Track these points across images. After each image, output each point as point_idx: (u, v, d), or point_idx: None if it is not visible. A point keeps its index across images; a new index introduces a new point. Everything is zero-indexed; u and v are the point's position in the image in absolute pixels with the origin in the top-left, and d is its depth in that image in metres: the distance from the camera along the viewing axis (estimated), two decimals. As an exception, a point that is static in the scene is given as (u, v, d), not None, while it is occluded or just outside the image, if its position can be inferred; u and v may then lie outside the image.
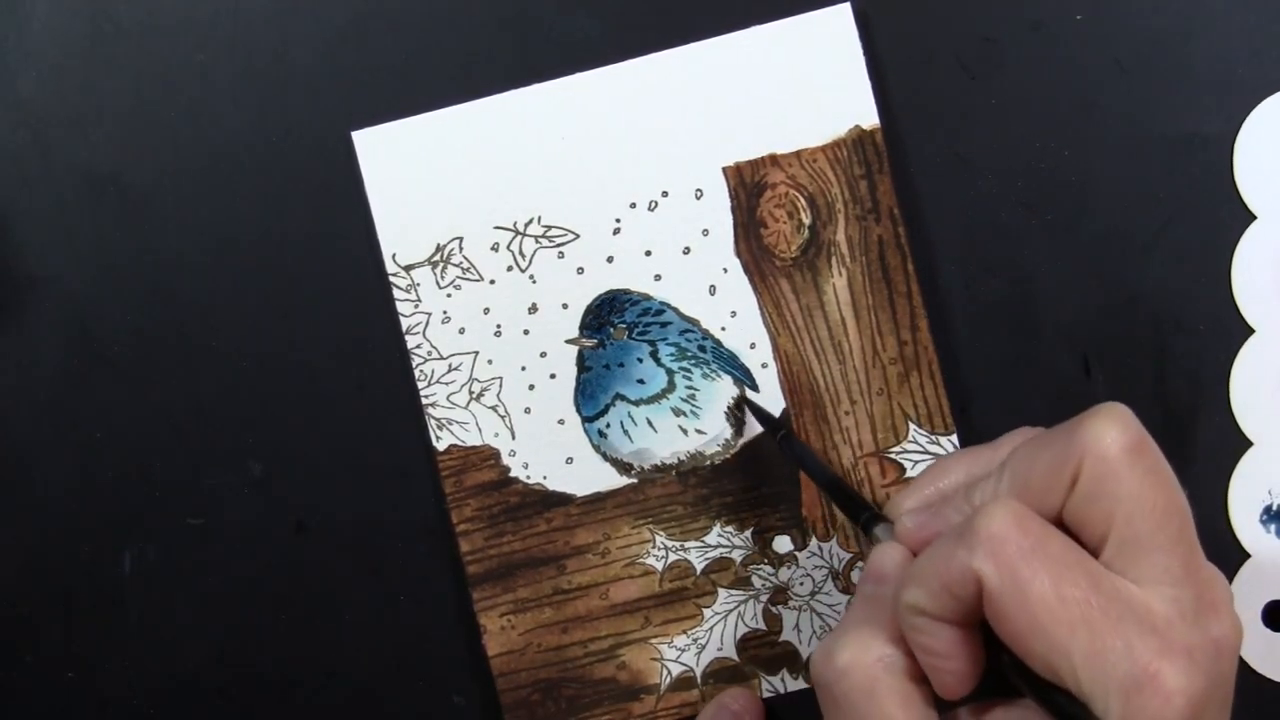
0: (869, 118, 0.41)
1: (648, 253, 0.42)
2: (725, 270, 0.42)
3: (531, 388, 0.42)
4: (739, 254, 0.42)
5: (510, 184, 0.42)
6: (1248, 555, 0.41)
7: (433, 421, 0.42)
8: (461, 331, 0.42)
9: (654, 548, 0.42)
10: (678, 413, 0.42)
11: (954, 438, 0.41)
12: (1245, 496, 0.41)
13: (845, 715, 0.30)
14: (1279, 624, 0.41)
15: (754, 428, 0.42)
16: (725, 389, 0.42)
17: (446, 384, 0.42)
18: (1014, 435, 0.33)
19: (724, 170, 0.42)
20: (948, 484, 0.33)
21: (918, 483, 0.33)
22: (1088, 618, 0.27)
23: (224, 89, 0.43)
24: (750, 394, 0.42)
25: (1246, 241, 0.41)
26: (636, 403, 0.42)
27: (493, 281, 0.42)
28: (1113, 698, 0.26)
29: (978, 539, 0.28)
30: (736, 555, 0.42)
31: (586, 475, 0.42)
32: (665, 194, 0.42)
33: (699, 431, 0.42)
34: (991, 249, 0.42)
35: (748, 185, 0.42)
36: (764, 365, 0.42)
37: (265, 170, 0.42)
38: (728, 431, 0.42)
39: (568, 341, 0.42)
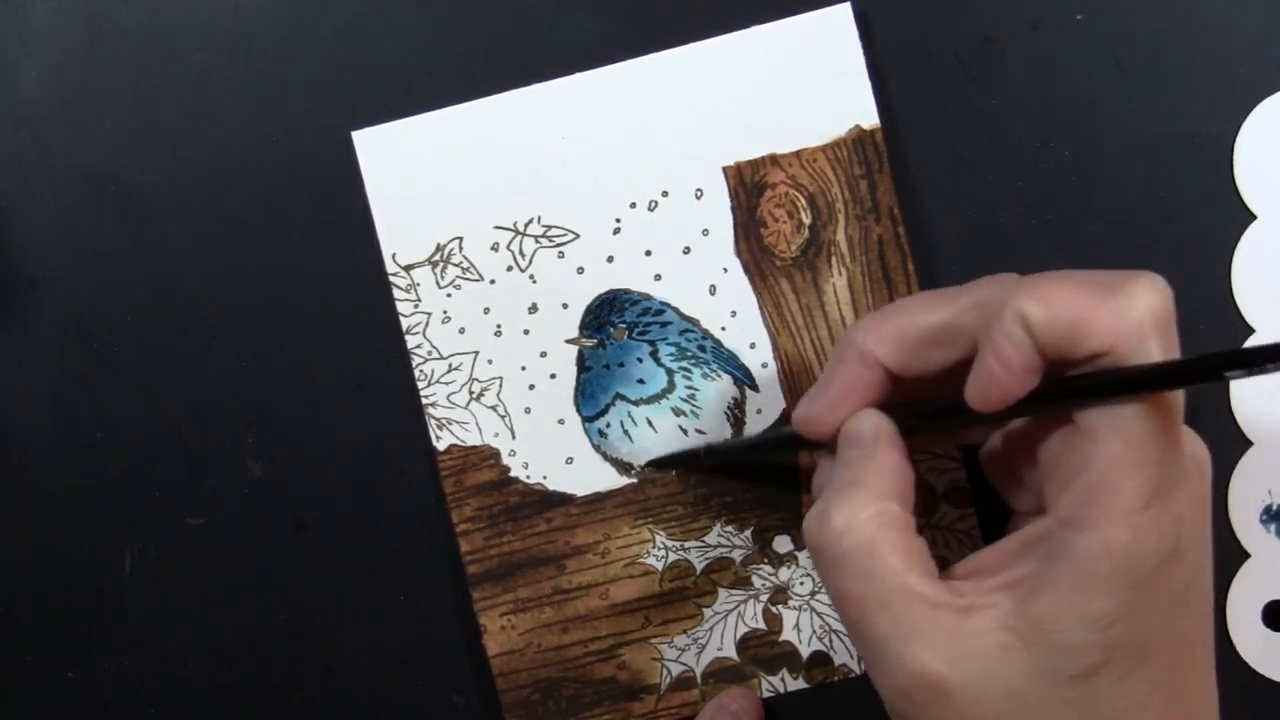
0: (869, 117, 0.41)
1: (648, 253, 0.42)
2: (725, 270, 0.42)
3: (531, 387, 0.42)
4: (739, 254, 0.42)
5: (510, 184, 0.42)
6: (1248, 555, 0.41)
7: (433, 421, 0.42)
8: (461, 331, 0.42)
9: (654, 547, 0.42)
10: (678, 413, 0.42)
11: (954, 438, 0.41)
12: (1245, 496, 0.41)
13: (846, 576, 0.30)
14: (1279, 624, 0.41)
15: (754, 427, 0.42)
16: (725, 389, 0.42)
17: (446, 384, 0.42)
18: (978, 285, 0.32)
19: (724, 170, 0.42)
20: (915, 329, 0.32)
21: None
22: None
23: (224, 89, 0.43)
24: (661, 453, 0.41)
25: (1246, 241, 0.41)
26: (636, 403, 0.42)
27: (493, 281, 0.42)
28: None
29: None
30: (736, 555, 0.42)
31: (586, 475, 0.42)
32: (665, 194, 0.42)
33: (699, 431, 0.42)
34: (991, 249, 0.42)
35: (748, 185, 0.42)
36: (764, 365, 0.42)
37: (265, 170, 0.42)
38: (728, 431, 0.42)
39: (568, 341, 0.42)
